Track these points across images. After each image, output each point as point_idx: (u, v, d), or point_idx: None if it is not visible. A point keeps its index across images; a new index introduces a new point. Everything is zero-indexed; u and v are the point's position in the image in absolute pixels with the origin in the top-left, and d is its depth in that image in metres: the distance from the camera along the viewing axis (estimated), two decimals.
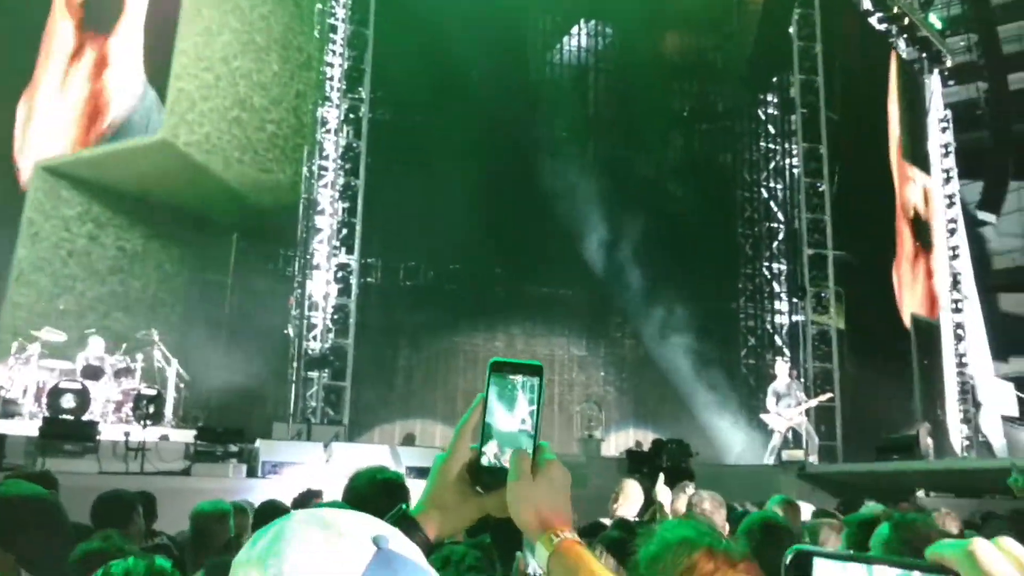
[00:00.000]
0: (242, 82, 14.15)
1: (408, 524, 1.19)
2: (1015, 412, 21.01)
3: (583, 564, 1.08)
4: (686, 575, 1.43)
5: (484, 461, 1.20)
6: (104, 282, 13.26)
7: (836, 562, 0.66)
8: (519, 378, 1.21)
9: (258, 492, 8.14)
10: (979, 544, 0.62)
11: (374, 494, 3.00)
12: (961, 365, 19.29)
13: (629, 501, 7.26)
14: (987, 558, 0.61)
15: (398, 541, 0.89)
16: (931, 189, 20.35)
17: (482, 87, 15.85)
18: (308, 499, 5.32)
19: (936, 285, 19.68)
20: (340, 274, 14.36)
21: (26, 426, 10.18)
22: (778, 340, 17.79)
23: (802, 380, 14.39)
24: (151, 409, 11.20)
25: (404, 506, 1.24)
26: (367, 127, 14.90)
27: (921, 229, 19.96)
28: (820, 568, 0.66)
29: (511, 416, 1.20)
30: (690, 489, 7.66)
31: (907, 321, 18.83)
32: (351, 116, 14.90)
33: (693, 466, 11.38)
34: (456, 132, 15.65)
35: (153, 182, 13.66)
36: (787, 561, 0.68)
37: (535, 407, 1.20)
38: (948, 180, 20.25)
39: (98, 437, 10.04)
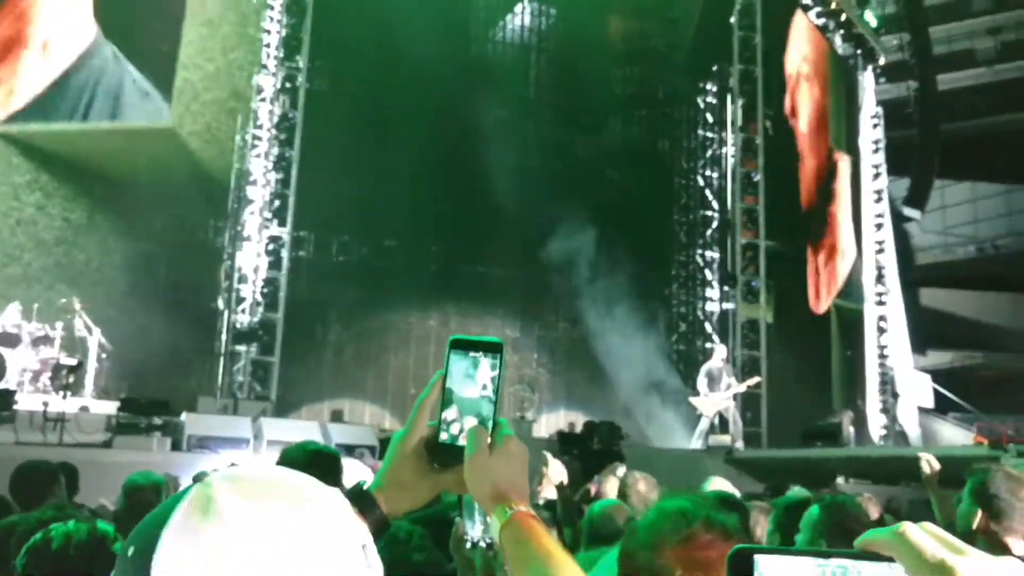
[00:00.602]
0: (238, 73, 14.63)
1: (365, 500, 1.18)
2: (931, 404, 21.78)
3: (534, 536, 1.09)
4: (683, 544, 1.48)
5: (442, 438, 1.20)
6: (50, 253, 13.11)
7: (776, 556, 0.68)
8: (479, 355, 1.21)
9: (183, 466, 7.96)
10: (907, 526, 0.67)
11: (306, 464, 2.94)
12: (883, 356, 19.84)
13: (553, 483, 7.28)
14: (916, 537, 0.66)
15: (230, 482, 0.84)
16: (846, 175, 20.52)
17: (423, 61, 15.63)
18: None
19: (839, 275, 19.91)
20: (271, 247, 14.05)
21: None
22: (708, 327, 18.05)
23: (732, 366, 14.59)
24: (71, 379, 10.84)
25: (362, 483, 1.22)
26: (304, 98, 14.58)
27: (839, 219, 20.22)
28: (762, 564, 0.68)
29: (470, 393, 1.20)
30: (621, 471, 7.70)
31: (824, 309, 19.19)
32: (287, 85, 14.55)
33: (623, 449, 11.48)
34: (395, 107, 15.49)
35: (126, 164, 13.73)
36: (729, 560, 0.69)
37: (495, 384, 1.20)
38: (877, 175, 20.72)
39: (15, 406, 9.71)
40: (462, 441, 1.19)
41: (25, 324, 11.29)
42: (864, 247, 20.60)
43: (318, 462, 2.98)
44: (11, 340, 11.08)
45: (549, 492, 7.46)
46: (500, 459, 1.17)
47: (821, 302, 18.98)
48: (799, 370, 17.47)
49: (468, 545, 1.46)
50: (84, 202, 13.37)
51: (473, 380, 1.20)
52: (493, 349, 1.21)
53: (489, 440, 1.18)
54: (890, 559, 0.67)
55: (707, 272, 18.38)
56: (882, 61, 21.58)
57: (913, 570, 0.66)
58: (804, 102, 19.36)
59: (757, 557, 0.68)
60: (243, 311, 13.81)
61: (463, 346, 1.21)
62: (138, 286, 12.81)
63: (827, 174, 19.76)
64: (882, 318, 20.09)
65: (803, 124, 19.25)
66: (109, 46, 13.60)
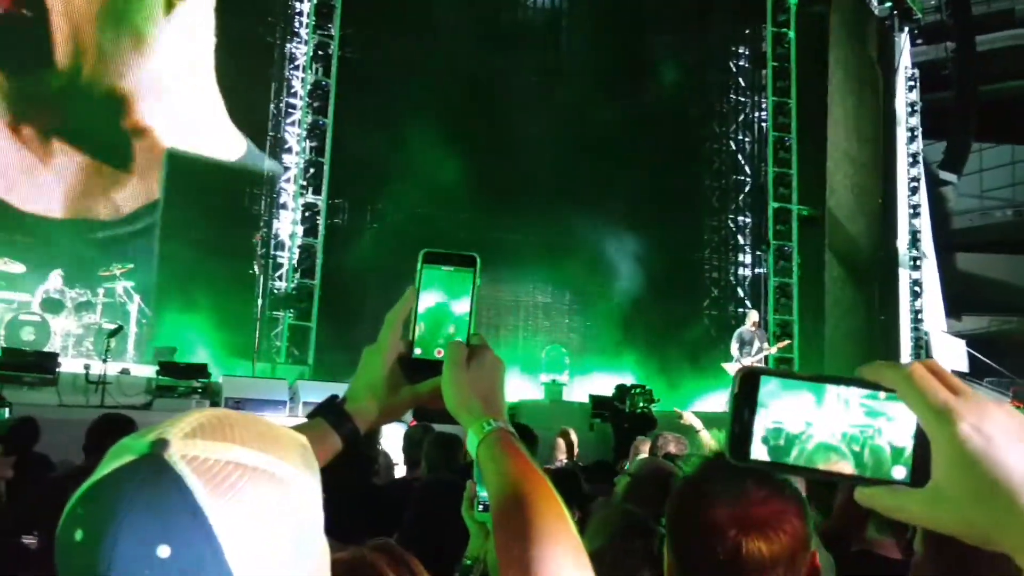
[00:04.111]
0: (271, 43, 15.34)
1: (337, 414, 1.20)
2: (965, 368, 21.58)
3: (510, 451, 1.08)
4: None
5: (416, 352, 1.19)
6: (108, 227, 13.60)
7: (780, 381, 0.71)
8: (452, 269, 1.19)
9: None
10: (916, 368, 0.68)
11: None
12: (917, 321, 19.67)
13: (561, 450, 7.47)
14: (923, 381, 0.67)
15: (194, 452, 0.77)
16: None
17: (452, 28, 15.64)
18: None
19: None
20: (307, 214, 14.22)
21: None
22: (740, 292, 18.00)
23: (764, 331, 14.58)
24: (112, 343, 11.10)
25: (335, 396, 1.24)
26: (336, 65, 14.65)
27: None
28: (765, 386, 0.70)
29: (444, 307, 1.18)
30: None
31: None
32: (320, 53, 14.62)
33: (654, 412, 11.55)
34: (425, 73, 15.52)
35: None
36: (736, 380, 0.71)
37: (470, 297, 1.19)
38: (913, 139, 20.38)
39: (58, 370, 9.98)
40: (436, 355, 1.17)
41: (67, 291, 11.57)
42: (899, 211, 20.35)
43: None
44: (55, 306, 11.37)
45: (565, 458, 7.54)
46: (476, 373, 1.15)
47: None
48: (832, 334, 17.38)
49: (480, 508, 1.44)
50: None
51: (447, 294, 1.18)
52: (466, 263, 1.19)
53: (466, 354, 1.16)
54: (891, 391, 0.69)
55: (739, 237, 18.29)
56: (920, 21, 21.11)
57: (917, 412, 0.67)
58: None
59: (763, 379, 0.71)
60: (279, 277, 14.03)
61: (436, 260, 1.19)
62: (177, 252, 13.05)
63: None
64: (916, 283, 19.89)
65: None
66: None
